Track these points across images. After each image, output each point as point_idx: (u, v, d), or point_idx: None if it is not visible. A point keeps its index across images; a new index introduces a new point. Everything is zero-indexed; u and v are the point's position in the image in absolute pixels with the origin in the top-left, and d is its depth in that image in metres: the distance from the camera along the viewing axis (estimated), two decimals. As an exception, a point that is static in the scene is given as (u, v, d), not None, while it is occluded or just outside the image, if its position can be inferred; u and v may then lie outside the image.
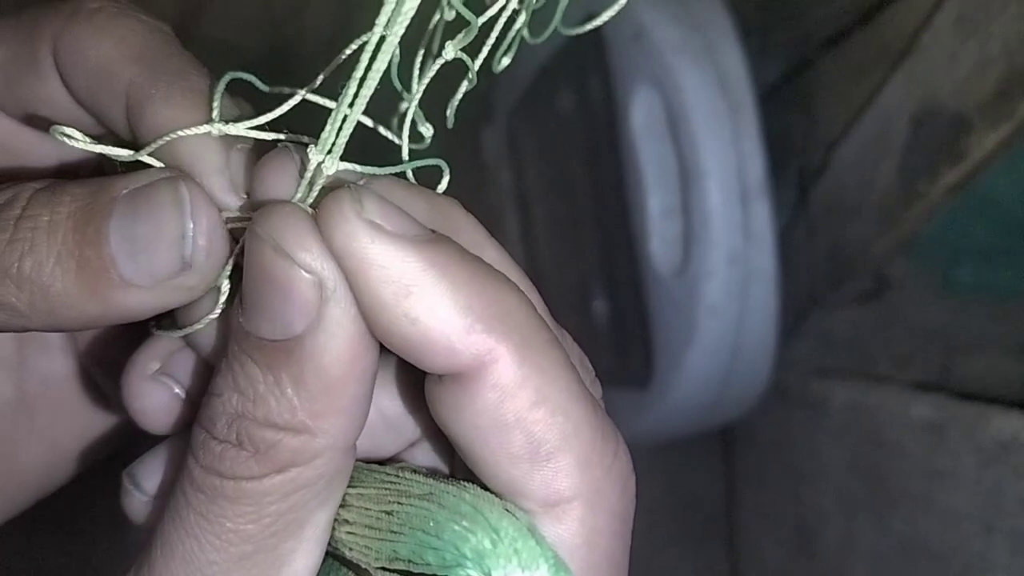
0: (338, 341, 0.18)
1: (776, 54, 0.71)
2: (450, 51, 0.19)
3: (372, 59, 0.17)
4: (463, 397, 0.19)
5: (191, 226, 0.19)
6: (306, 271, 0.18)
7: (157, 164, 0.20)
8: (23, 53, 0.22)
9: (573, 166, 0.75)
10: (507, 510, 0.19)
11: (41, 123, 0.23)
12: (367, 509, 0.21)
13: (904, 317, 0.68)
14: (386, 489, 0.21)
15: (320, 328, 0.18)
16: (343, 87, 0.18)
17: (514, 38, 0.21)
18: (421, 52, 0.20)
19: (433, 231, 0.19)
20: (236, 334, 0.19)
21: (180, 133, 0.20)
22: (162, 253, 0.19)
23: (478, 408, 0.18)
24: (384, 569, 0.20)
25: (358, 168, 0.20)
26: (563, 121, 0.74)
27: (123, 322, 0.20)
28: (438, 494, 0.20)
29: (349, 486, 0.21)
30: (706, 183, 0.60)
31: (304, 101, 0.21)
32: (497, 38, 0.20)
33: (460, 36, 0.19)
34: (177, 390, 0.22)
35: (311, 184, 0.19)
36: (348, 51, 0.18)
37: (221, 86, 0.20)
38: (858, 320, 0.72)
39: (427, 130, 0.21)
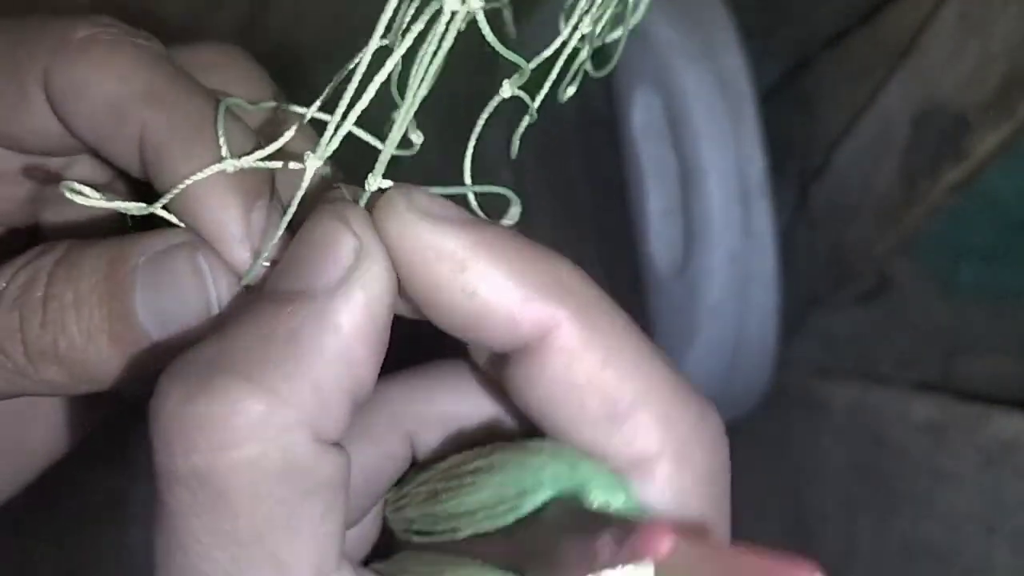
0: (352, 306, 0.18)
1: (776, 55, 0.71)
2: (507, 90, 0.20)
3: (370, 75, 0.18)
4: (532, 368, 0.19)
5: (214, 294, 0.20)
6: (354, 236, 0.18)
7: (173, 219, 0.21)
8: (6, 87, 0.22)
9: (573, 166, 0.75)
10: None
11: (29, 168, 0.24)
12: (429, 487, 0.21)
13: (905, 317, 0.68)
14: (444, 469, 0.21)
15: (344, 287, 0.18)
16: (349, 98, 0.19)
17: (578, 70, 0.22)
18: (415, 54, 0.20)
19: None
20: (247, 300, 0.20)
21: (192, 179, 0.20)
22: (190, 320, 0.20)
23: (548, 376, 0.18)
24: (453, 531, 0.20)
25: (418, 190, 0.20)
26: (563, 122, 0.74)
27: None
28: (504, 451, 0.20)
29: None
30: (706, 183, 0.60)
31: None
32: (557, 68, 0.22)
33: (516, 76, 0.20)
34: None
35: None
36: (351, 65, 0.19)
37: (221, 118, 0.20)
38: (859, 320, 0.72)
39: (417, 137, 0.21)
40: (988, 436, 0.55)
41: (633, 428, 0.18)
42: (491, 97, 0.20)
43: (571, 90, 0.22)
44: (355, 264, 0.18)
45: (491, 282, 0.18)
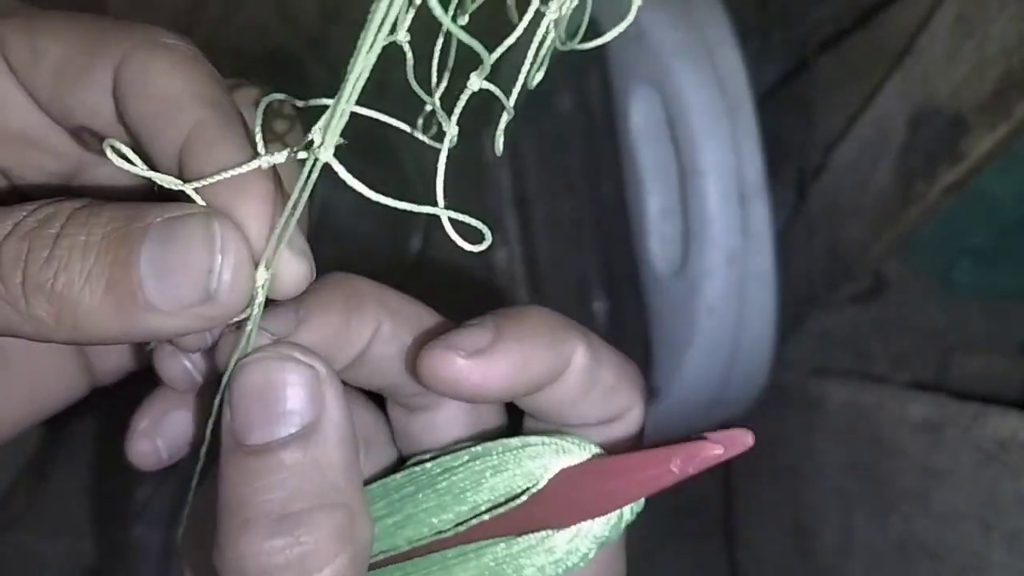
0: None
1: (775, 56, 0.72)
2: (475, 83, 0.20)
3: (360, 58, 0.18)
4: (557, 388, 0.26)
5: (219, 260, 0.21)
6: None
7: (200, 201, 0.21)
8: (81, 58, 0.23)
9: (572, 167, 0.75)
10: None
11: (76, 129, 0.24)
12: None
13: (902, 317, 0.69)
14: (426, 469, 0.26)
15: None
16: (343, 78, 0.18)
17: (545, 55, 0.21)
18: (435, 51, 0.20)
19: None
20: None
21: (230, 173, 0.21)
22: (188, 283, 0.21)
23: (569, 388, 0.26)
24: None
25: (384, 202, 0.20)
26: (563, 122, 0.74)
27: (145, 341, 0.22)
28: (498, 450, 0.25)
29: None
30: (705, 183, 0.60)
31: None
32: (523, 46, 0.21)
33: (481, 68, 0.20)
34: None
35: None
36: (363, 54, 0.18)
37: (259, 118, 0.21)
38: (856, 320, 0.72)
39: (453, 129, 0.21)
40: (984, 435, 0.55)
41: (618, 397, 0.26)
42: (489, 101, 0.21)
43: (539, 75, 0.22)
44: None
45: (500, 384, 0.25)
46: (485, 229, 0.21)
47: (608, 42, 0.21)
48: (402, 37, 0.19)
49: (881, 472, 0.64)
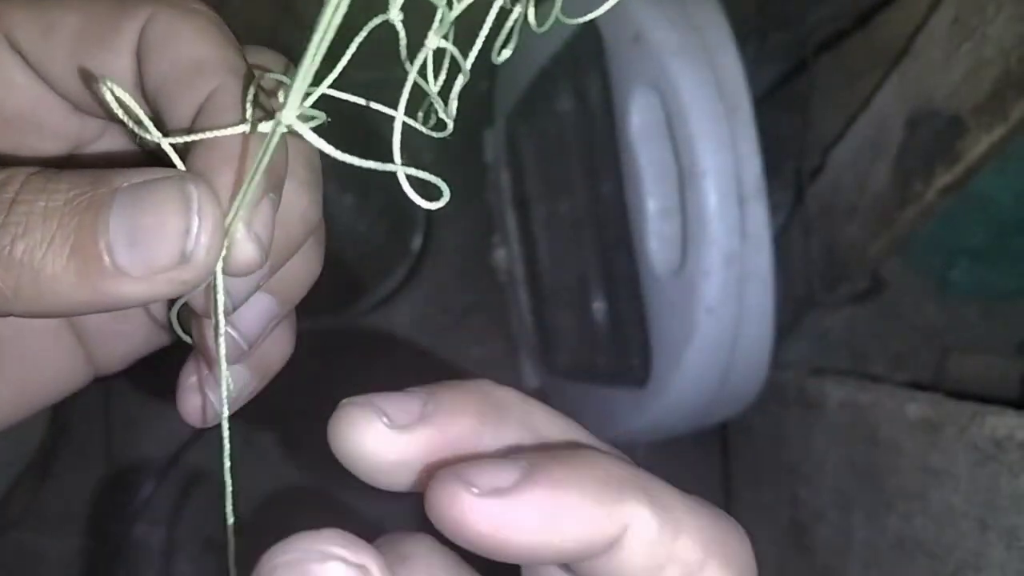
0: None
1: (773, 57, 0.72)
2: (433, 40, 0.19)
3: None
4: (615, 559, 0.19)
5: (196, 222, 0.20)
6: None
7: (178, 162, 0.21)
8: (103, 23, 0.23)
9: (572, 167, 0.75)
10: None
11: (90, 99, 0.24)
12: None
13: (899, 317, 0.69)
14: None
15: None
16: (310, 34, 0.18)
17: (512, 28, 0.21)
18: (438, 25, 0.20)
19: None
20: None
21: (214, 133, 0.21)
22: (162, 246, 0.20)
23: (632, 562, 0.19)
24: None
25: (342, 157, 0.20)
26: (562, 123, 0.74)
27: (111, 310, 0.20)
28: None
29: None
30: (703, 184, 0.60)
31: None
32: (493, 29, 0.20)
33: (437, 24, 0.19)
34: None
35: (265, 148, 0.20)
36: (329, 10, 0.17)
37: (250, 93, 0.21)
38: (854, 320, 0.72)
39: (450, 115, 0.21)
40: (981, 434, 0.55)
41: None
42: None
43: (506, 52, 0.21)
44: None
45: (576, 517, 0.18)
46: (443, 185, 0.20)
47: (608, 43, 0.21)
48: (395, 16, 0.18)
49: (879, 471, 0.64)
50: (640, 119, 0.64)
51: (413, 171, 0.19)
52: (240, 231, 0.21)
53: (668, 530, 0.19)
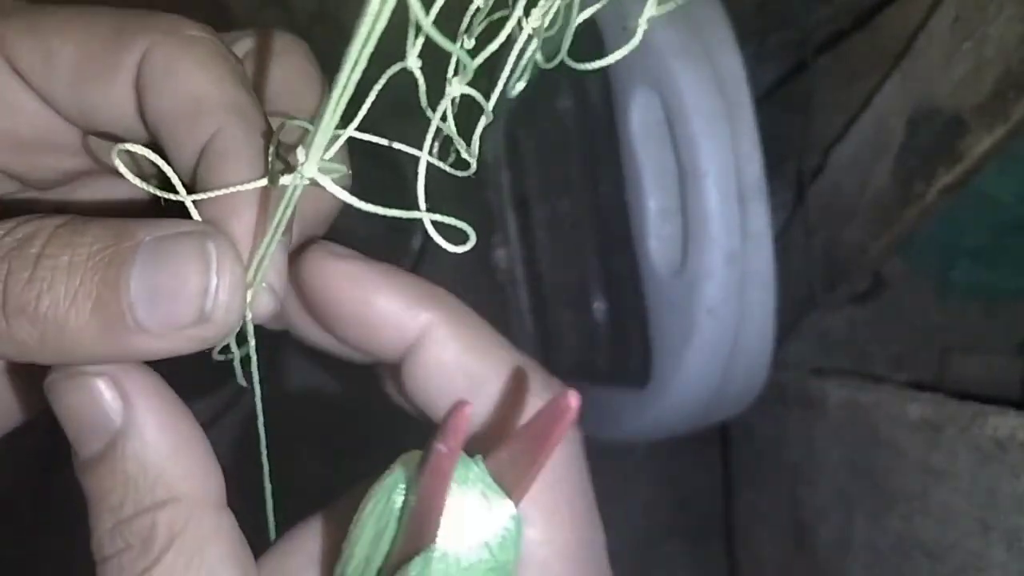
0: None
1: (774, 56, 0.72)
2: (456, 88, 0.20)
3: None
4: (415, 363, 0.25)
5: (215, 281, 0.20)
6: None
7: (196, 215, 0.21)
8: (103, 55, 0.22)
9: (572, 167, 0.75)
10: None
11: (95, 131, 0.24)
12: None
13: (900, 317, 0.69)
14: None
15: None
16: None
17: (526, 65, 0.21)
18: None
19: None
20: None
21: (236, 189, 0.21)
22: (182, 305, 0.20)
23: (426, 363, 0.25)
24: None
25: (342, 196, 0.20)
26: (562, 122, 0.74)
27: (134, 361, 0.21)
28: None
29: None
30: (704, 184, 0.60)
31: None
32: (502, 58, 0.21)
33: (462, 74, 0.20)
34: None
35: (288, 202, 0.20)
36: (347, 71, 0.18)
37: (274, 144, 0.21)
38: (854, 320, 0.72)
39: (472, 154, 0.21)
40: (983, 434, 0.55)
41: (489, 395, 0.25)
42: (492, 108, 0.21)
43: (520, 85, 0.22)
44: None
45: (384, 295, 0.24)
46: (470, 230, 0.20)
47: (607, 44, 0.21)
48: (413, 63, 0.18)
49: (880, 471, 0.64)
50: (640, 119, 0.64)
51: (439, 217, 0.20)
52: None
53: (457, 340, 0.25)
